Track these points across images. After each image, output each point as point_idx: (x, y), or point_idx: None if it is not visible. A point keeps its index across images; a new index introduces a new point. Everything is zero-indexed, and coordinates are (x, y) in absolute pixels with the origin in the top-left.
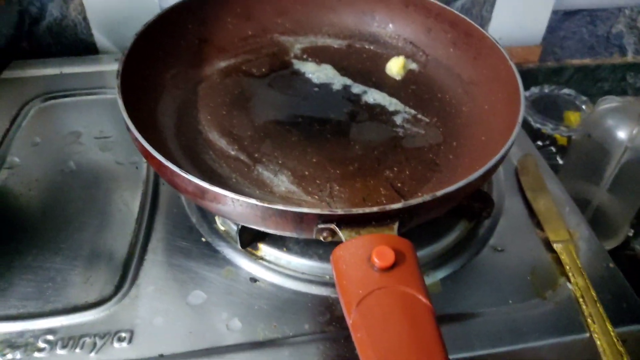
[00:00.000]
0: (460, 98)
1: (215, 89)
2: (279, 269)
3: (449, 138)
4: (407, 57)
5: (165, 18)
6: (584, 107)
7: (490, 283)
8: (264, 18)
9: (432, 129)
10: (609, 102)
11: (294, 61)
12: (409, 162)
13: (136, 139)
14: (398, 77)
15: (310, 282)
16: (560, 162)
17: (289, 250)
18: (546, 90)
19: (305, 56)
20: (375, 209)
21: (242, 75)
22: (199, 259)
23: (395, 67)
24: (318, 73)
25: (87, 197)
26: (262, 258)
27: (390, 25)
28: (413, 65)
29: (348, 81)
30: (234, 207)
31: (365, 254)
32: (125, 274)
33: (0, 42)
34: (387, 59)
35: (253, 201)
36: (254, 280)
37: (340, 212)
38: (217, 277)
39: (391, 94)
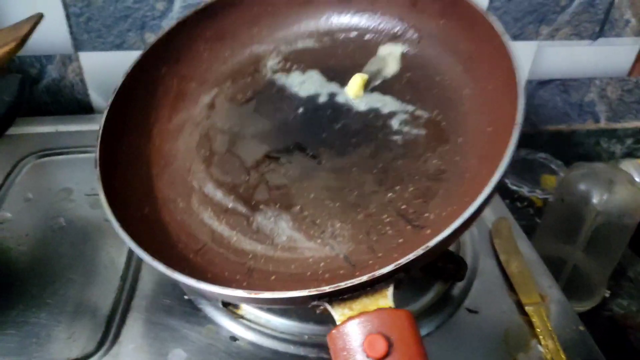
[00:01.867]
0: (460, 79)
1: (204, 131)
2: (259, 327)
3: (453, 134)
4: (396, 38)
5: (136, 70)
6: (559, 170)
7: (464, 345)
8: (238, 32)
9: (433, 126)
10: (580, 169)
11: (278, 75)
12: (411, 177)
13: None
14: (357, 100)
15: (289, 341)
16: (539, 222)
17: (269, 309)
18: (522, 154)
19: (288, 65)
20: (364, 277)
21: (227, 106)
22: (181, 317)
23: (354, 87)
24: (304, 84)
25: (75, 254)
26: (242, 317)
27: (372, 6)
28: (405, 48)
29: (336, 88)
30: (227, 297)
31: (358, 341)
32: (108, 331)
33: (1, 110)
34: (377, 44)
35: (240, 293)
36: (233, 339)
37: (328, 289)
38: (198, 335)
39: (385, 91)
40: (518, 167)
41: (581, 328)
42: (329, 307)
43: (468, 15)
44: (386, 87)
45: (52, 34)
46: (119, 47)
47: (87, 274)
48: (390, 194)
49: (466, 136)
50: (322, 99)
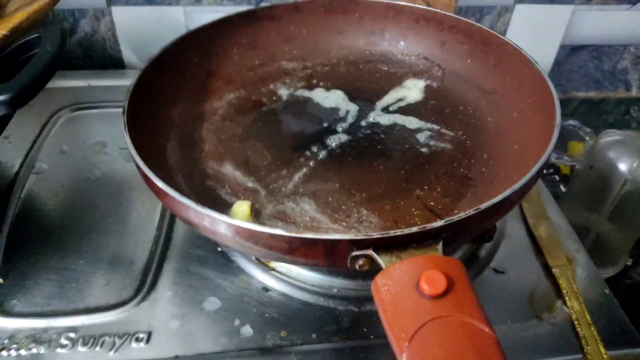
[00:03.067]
0: (483, 109)
1: (225, 122)
2: (290, 280)
3: (478, 151)
4: (421, 73)
5: (169, 52)
6: (587, 138)
7: (490, 303)
8: (271, 46)
9: (458, 142)
10: (611, 136)
11: (304, 89)
12: (439, 180)
13: (148, 178)
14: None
15: (319, 294)
16: (563, 190)
17: None
18: None
19: (315, 82)
20: (415, 229)
21: (252, 106)
22: (215, 267)
23: (238, 213)
24: (329, 99)
25: (110, 205)
26: (274, 269)
27: (402, 43)
28: (429, 81)
29: (360, 105)
30: (256, 241)
31: (412, 280)
32: (145, 279)
33: (47, 59)
34: (402, 78)
35: (278, 231)
36: (265, 289)
37: (376, 235)
38: (231, 285)
39: (409, 113)
40: None
41: (606, 291)
42: (374, 255)
43: (498, 52)
44: (410, 110)
45: None
46: (150, 2)
47: (123, 224)
48: (418, 191)
49: (491, 153)
50: (346, 112)
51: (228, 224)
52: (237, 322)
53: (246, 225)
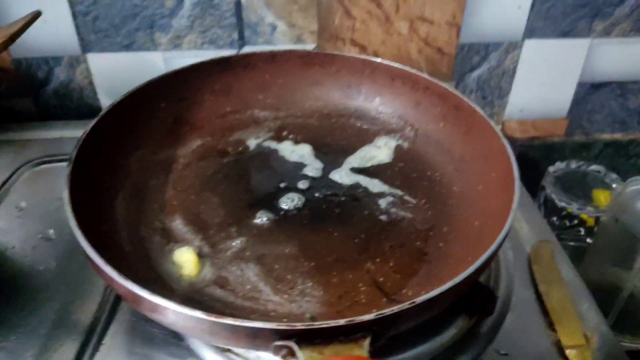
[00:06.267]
0: (451, 176)
1: (185, 172)
2: None
3: (438, 222)
4: (394, 132)
5: (135, 97)
6: (614, 185)
7: None
8: (244, 93)
9: (420, 212)
10: (638, 183)
11: (270, 142)
12: (393, 252)
13: (84, 249)
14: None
15: None
16: (590, 243)
17: None
18: (573, 166)
19: (284, 133)
20: (342, 321)
21: (216, 155)
22: (161, 347)
23: (184, 263)
24: (294, 153)
25: (58, 269)
26: (229, 350)
27: (378, 99)
28: (400, 141)
29: (326, 162)
30: (176, 319)
31: None
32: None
33: None
34: (374, 135)
35: (197, 314)
36: None
37: (299, 326)
38: None
39: (375, 174)
40: (567, 181)
41: None
42: (296, 349)
43: (469, 119)
44: (377, 171)
45: (59, 34)
46: (128, 47)
47: (68, 292)
48: (369, 264)
49: (452, 226)
50: (310, 169)
51: (148, 300)
52: None
53: (166, 304)
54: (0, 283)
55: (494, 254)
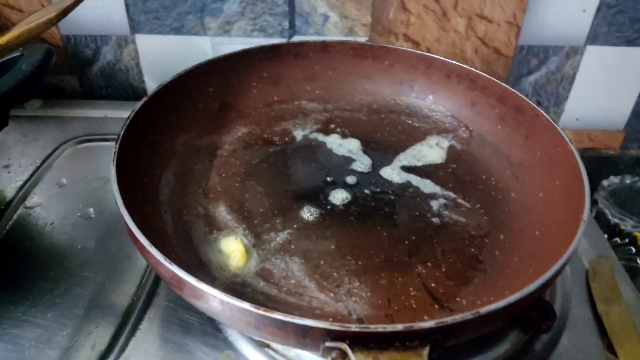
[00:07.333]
0: (508, 182)
1: (230, 159)
2: None
3: (494, 229)
4: (447, 132)
5: (183, 79)
6: None
7: None
8: (293, 83)
9: (474, 217)
10: None
11: (319, 132)
12: (446, 257)
13: (129, 229)
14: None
15: None
16: None
17: None
18: (628, 181)
19: (332, 126)
20: (400, 326)
21: (262, 144)
22: (198, 337)
23: (232, 254)
24: (342, 147)
25: (97, 249)
26: (267, 346)
27: (431, 97)
28: (453, 142)
29: (375, 158)
30: (222, 309)
31: None
32: (114, 343)
33: (17, 79)
34: (425, 134)
35: (245, 305)
36: None
37: (354, 328)
38: None
39: (426, 174)
40: (621, 196)
41: None
42: (349, 352)
43: (531, 123)
44: (429, 171)
45: (109, 13)
46: (177, 31)
47: (106, 273)
48: (419, 268)
49: (509, 234)
50: (358, 164)
51: (195, 287)
52: None
53: (214, 292)
54: (37, 259)
55: (563, 267)
